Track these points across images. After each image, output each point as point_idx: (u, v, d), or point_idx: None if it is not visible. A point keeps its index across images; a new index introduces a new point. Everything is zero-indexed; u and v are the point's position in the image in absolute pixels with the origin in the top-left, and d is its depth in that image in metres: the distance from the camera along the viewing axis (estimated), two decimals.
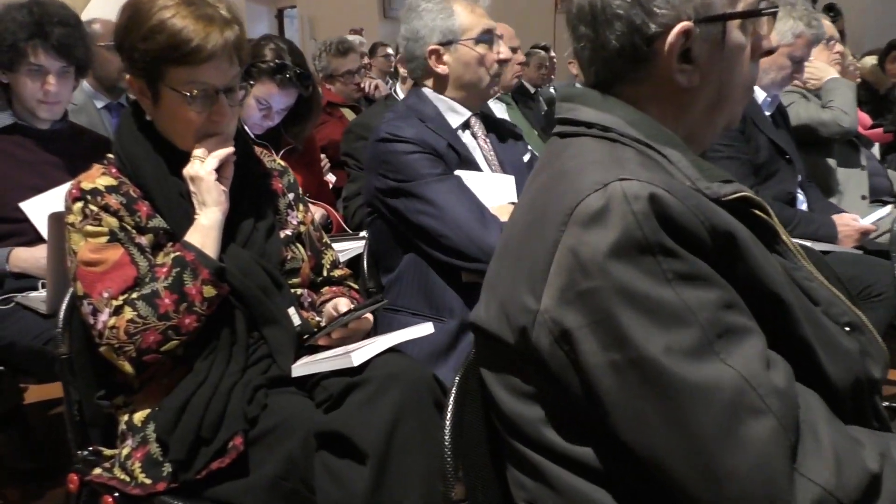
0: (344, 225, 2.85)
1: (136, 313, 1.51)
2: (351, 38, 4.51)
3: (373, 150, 2.09)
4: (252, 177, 1.75)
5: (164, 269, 1.55)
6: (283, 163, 1.92)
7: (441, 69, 2.13)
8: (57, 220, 1.92)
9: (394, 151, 2.03)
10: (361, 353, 1.48)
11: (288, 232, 1.78)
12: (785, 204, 2.78)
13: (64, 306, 1.68)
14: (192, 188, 1.60)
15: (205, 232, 1.58)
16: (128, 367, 1.54)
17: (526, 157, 2.28)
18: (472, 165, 2.12)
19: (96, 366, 1.65)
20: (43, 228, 2.34)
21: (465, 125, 2.19)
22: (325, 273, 1.89)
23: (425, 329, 1.59)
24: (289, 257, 1.74)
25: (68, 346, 1.66)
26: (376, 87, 4.89)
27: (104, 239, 1.56)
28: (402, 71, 3.25)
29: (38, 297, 2.21)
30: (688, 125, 1.10)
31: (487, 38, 2.11)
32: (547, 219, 0.98)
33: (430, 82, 2.18)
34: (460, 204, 1.98)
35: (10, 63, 2.36)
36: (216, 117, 1.61)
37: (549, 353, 0.97)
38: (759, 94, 2.93)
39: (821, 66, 3.33)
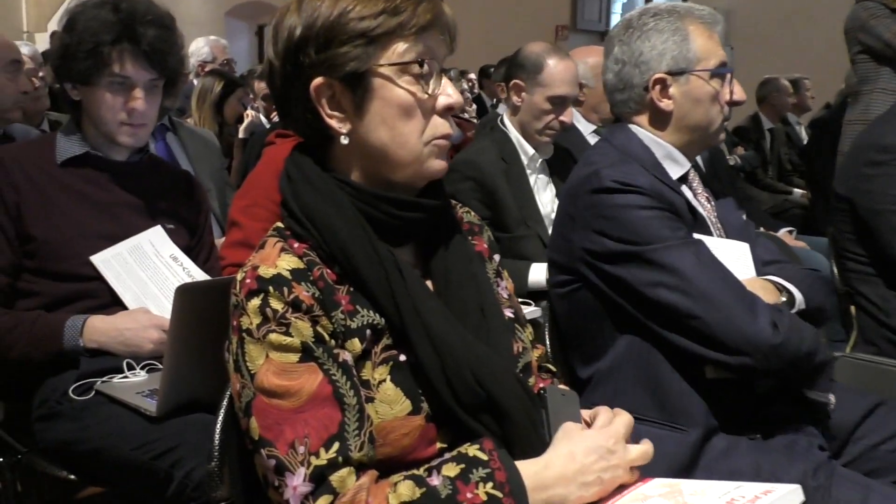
0: None
1: None
2: None
3: (590, 201, 1.59)
4: (455, 237, 1.25)
5: (470, 499, 1.01)
6: (476, 216, 1.42)
7: (665, 104, 1.65)
8: (185, 294, 1.40)
9: (624, 206, 1.54)
10: None
11: (509, 313, 1.29)
12: None
13: (220, 424, 1.17)
14: (599, 443, 1.11)
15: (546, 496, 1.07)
16: None
17: (743, 218, 1.82)
18: (705, 230, 1.65)
19: None
20: (120, 288, 1.81)
21: (683, 178, 1.72)
22: None
23: (796, 496, 1.07)
24: (521, 349, 1.25)
25: (230, 487, 1.15)
26: None
27: (295, 357, 1.04)
28: (516, 99, 2.75)
29: (124, 385, 1.66)
30: None
31: (724, 71, 1.65)
32: None
33: (642, 119, 1.70)
34: (718, 278, 1.50)
35: (86, 74, 1.81)
36: (447, 101, 1.14)
37: None
38: None
39: None
